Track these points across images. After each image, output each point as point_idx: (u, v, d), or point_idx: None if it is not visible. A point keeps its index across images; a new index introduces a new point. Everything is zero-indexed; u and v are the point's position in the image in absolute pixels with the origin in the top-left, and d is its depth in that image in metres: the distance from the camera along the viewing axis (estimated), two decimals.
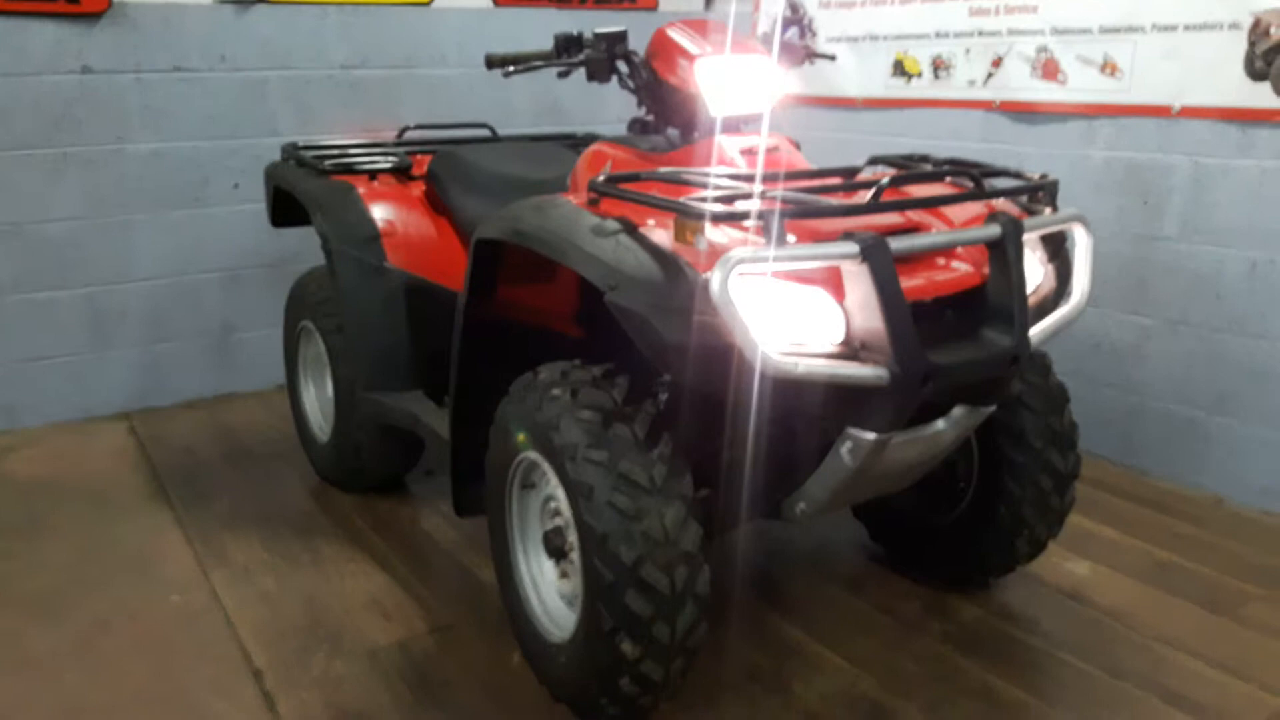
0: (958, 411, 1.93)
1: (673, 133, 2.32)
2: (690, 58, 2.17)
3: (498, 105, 4.27)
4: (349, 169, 2.94)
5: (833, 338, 1.74)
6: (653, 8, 4.74)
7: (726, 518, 2.06)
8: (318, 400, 3.24)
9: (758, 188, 1.81)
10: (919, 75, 3.73)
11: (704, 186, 1.87)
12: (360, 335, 2.79)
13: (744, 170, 2.07)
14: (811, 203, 1.76)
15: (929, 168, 2.15)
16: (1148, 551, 2.70)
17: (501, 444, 2.09)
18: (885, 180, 1.81)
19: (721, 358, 1.66)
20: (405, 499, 3.07)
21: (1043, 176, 2.04)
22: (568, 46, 2.33)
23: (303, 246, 3.82)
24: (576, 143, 3.45)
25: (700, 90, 2.16)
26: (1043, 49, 3.30)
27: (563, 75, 2.37)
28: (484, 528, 2.25)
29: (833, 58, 2.72)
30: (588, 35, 2.35)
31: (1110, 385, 3.26)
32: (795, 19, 4.25)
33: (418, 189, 2.98)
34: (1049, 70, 3.30)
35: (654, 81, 2.26)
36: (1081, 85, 3.21)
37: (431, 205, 2.92)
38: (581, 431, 1.80)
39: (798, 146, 2.27)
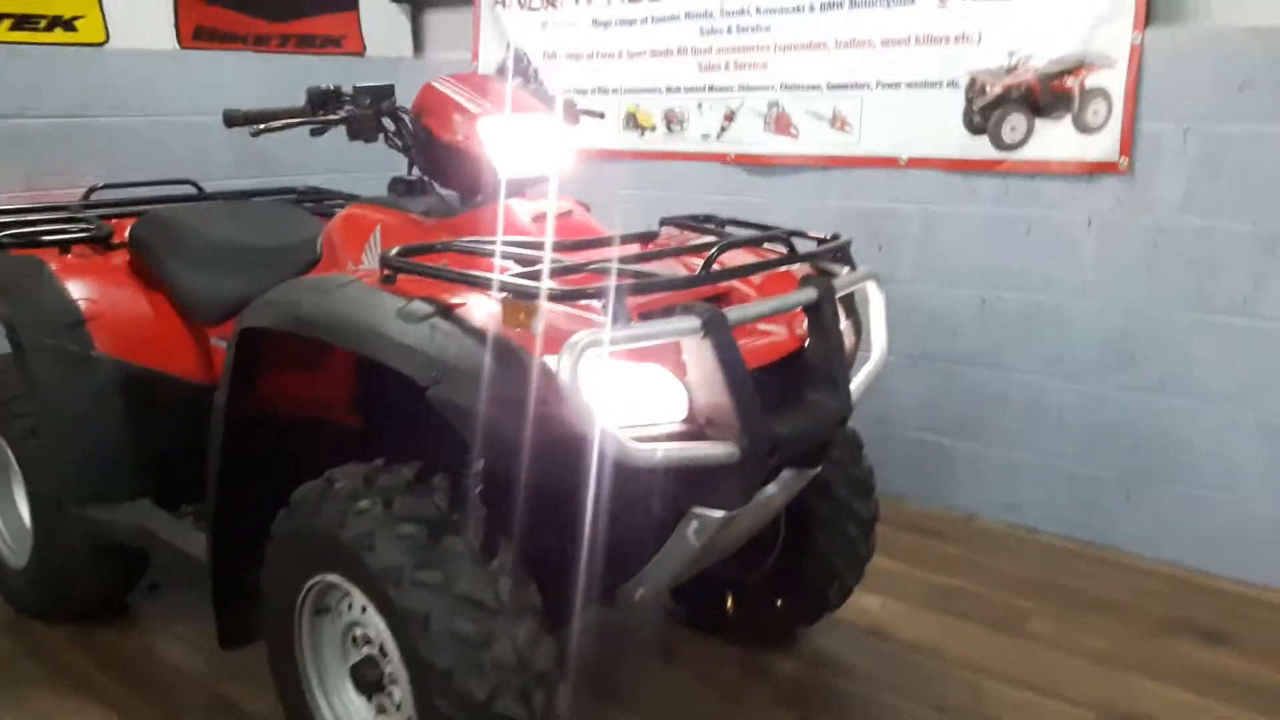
0: (786, 474, 1.88)
1: (450, 195, 2.12)
2: (471, 116, 1.98)
3: (194, 157, 3.81)
4: (34, 241, 2.45)
5: (674, 415, 1.63)
6: (359, 53, 4.46)
7: (559, 614, 1.87)
8: (5, 521, 2.66)
9: (589, 261, 1.66)
10: (652, 128, 3.75)
11: (518, 260, 1.70)
12: (66, 440, 2.31)
13: (537, 238, 1.92)
14: (650, 276, 1.63)
15: (719, 228, 2.11)
16: (925, 578, 2.82)
17: (285, 567, 1.78)
18: (715, 249, 1.72)
19: (569, 448, 1.49)
20: (131, 624, 2.57)
21: (834, 236, 2.05)
22: (324, 102, 2.06)
23: None
24: (301, 199, 3.13)
25: (484, 151, 1.98)
26: (774, 104, 3.41)
27: (317, 134, 2.09)
28: (245, 653, 1.91)
29: (601, 115, 2.63)
30: (347, 90, 2.09)
31: (859, 419, 3.40)
32: (520, 69, 4.14)
33: (120, 259, 2.54)
34: (781, 124, 3.41)
35: (428, 141, 2.05)
36: (813, 139, 3.35)
37: (139, 278, 2.50)
38: (405, 550, 1.55)
39: (588, 209, 2.14)
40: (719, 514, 1.68)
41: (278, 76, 4.12)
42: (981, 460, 3.20)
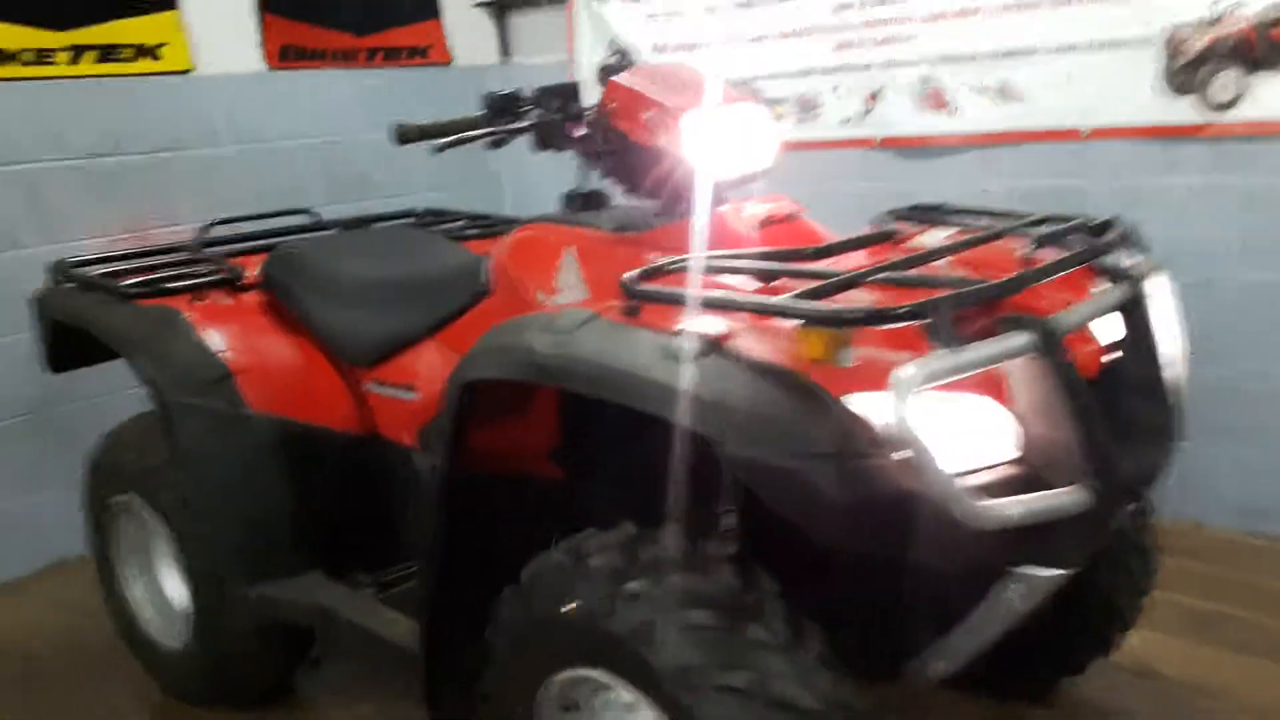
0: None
1: (635, 206, 1.84)
2: (671, 112, 1.70)
3: (290, 184, 3.58)
4: (162, 289, 2.20)
5: (1002, 457, 1.33)
6: (446, 63, 4.20)
7: None
8: (153, 598, 2.43)
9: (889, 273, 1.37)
10: (781, 117, 3.44)
11: (771, 275, 1.42)
12: (226, 512, 2.06)
13: (764, 248, 1.63)
14: (974, 286, 1.32)
15: (954, 218, 1.81)
16: (1175, 601, 2.48)
17: (520, 658, 1.50)
18: (1033, 244, 1.42)
19: (893, 508, 1.21)
20: (298, 706, 2.33)
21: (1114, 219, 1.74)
22: (505, 108, 1.79)
23: (67, 384, 2.93)
24: (421, 221, 2.86)
25: (688, 151, 1.70)
26: (926, 79, 3.10)
27: (497, 145, 1.82)
28: None
29: (775, 104, 2.34)
30: (527, 92, 1.82)
31: None
32: (623, 65, 3.85)
33: (253, 301, 2.30)
34: (935, 101, 3.10)
35: (621, 145, 1.77)
36: (974, 114, 3.03)
37: (278, 321, 2.25)
38: (700, 645, 1.26)
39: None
40: (1053, 574, 1.38)
41: (366, 91, 3.88)
42: (1208, 461, 2.84)
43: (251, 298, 2.30)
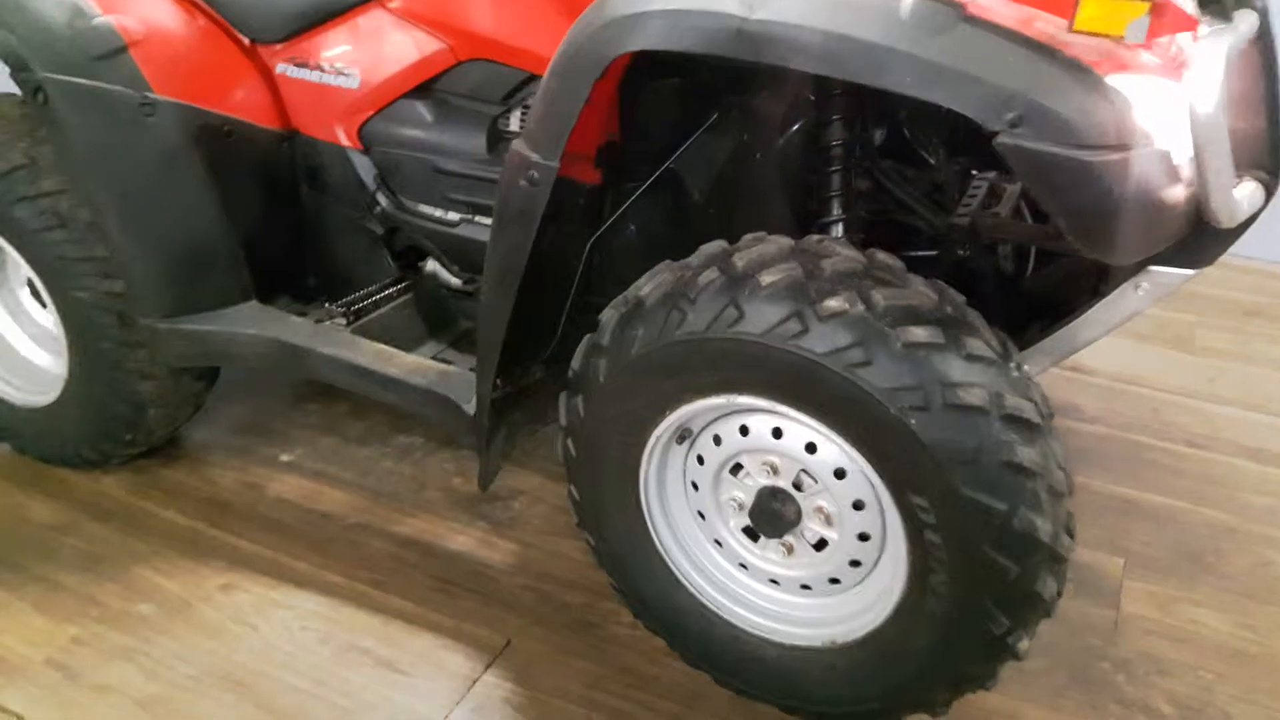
0: None
1: None
2: None
3: None
4: None
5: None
6: None
7: None
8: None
9: None
10: None
11: None
12: (136, 228, 1.60)
13: None
14: None
15: None
16: None
17: (631, 391, 1.29)
18: None
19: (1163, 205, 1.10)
20: (189, 455, 1.98)
21: None
22: None
23: None
24: None
25: None
26: None
27: None
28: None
29: None
30: None
31: None
32: None
33: None
34: None
35: None
36: None
37: None
38: (925, 364, 1.11)
39: None
40: (1187, 274, 1.34)
41: None
42: None
43: None
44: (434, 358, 1.73)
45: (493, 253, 1.35)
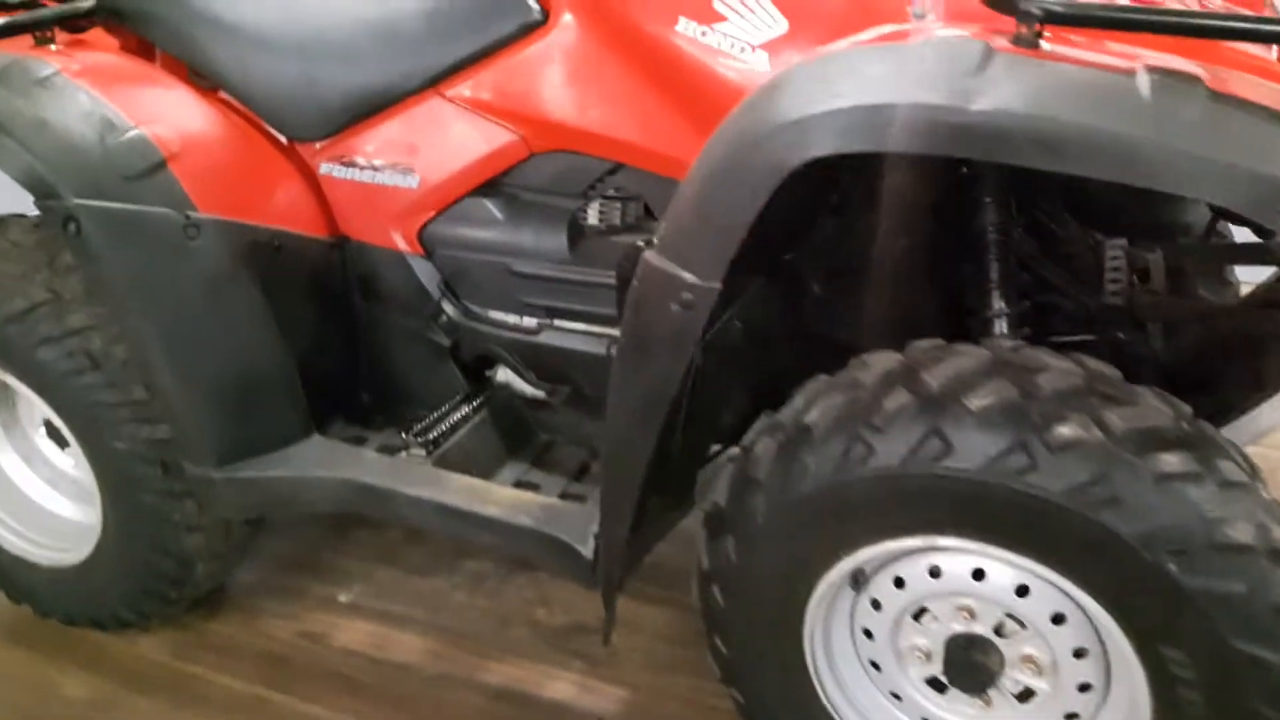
0: None
1: None
2: None
3: None
4: None
5: None
6: None
7: None
8: (8, 495, 1.69)
9: None
10: None
11: None
12: (183, 366, 1.39)
13: None
14: None
15: None
16: None
17: (797, 534, 1.11)
18: None
19: None
20: (239, 607, 1.76)
21: None
22: None
23: None
24: None
25: None
26: None
27: None
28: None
29: None
30: None
31: None
32: None
33: (109, 43, 1.56)
34: None
35: None
36: None
37: (173, 76, 1.54)
38: (1182, 498, 0.93)
39: None
40: None
41: None
42: None
43: (100, 38, 1.55)
44: (519, 482, 1.54)
45: (628, 383, 1.17)
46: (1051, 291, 1.38)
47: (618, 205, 1.47)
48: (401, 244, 1.56)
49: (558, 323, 1.52)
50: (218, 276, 1.38)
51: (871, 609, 1.18)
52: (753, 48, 1.23)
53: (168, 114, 1.40)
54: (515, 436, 1.63)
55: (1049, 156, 0.90)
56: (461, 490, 1.40)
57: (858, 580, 1.17)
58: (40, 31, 1.42)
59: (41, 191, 1.29)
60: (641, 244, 1.44)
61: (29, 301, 1.42)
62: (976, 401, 0.99)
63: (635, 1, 1.31)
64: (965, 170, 1.30)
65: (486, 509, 1.37)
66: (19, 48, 1.40)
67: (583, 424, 1.62)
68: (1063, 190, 1.40)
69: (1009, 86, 0.91)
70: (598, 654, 1.63)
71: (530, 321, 1.54)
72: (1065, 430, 0.96)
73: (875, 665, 1.22)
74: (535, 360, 1.57)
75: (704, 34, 1.25)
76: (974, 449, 0.98)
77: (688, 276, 1.06)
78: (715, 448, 1.52)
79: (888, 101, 0.93)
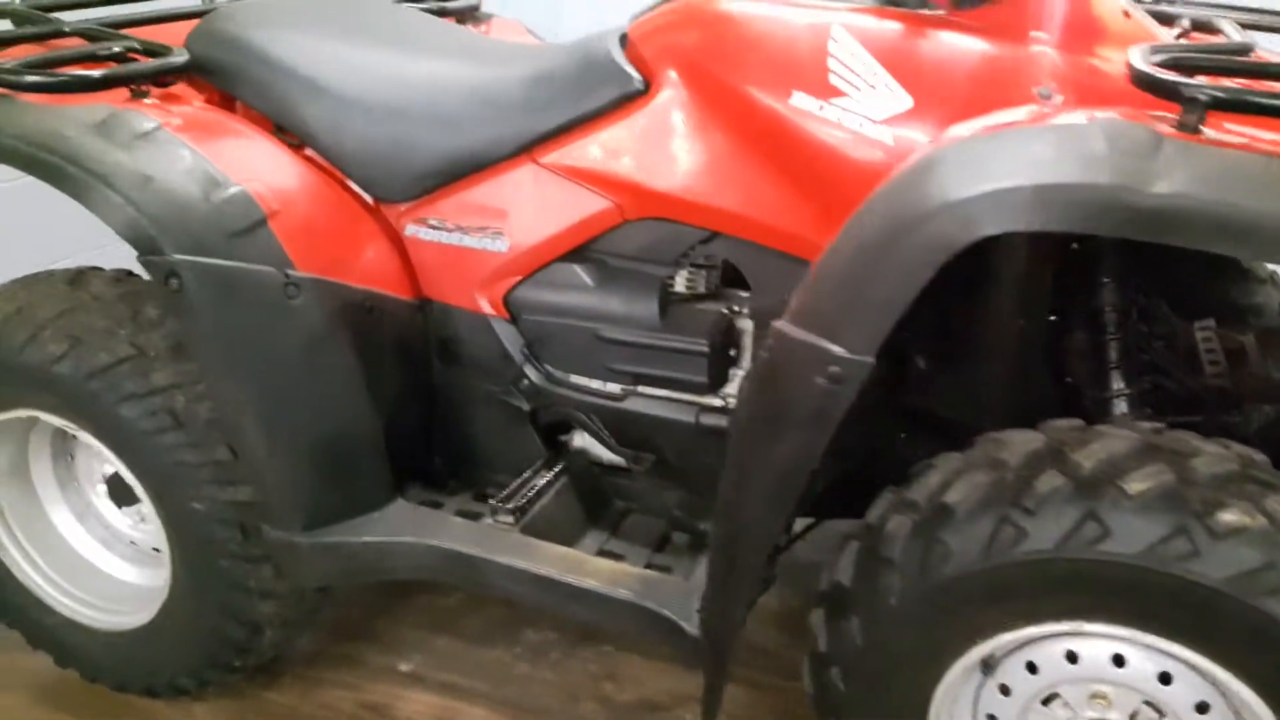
0: None
1: None
2: None
3: None
4: (84, 80, 1.37)
5: None
6: None
7: None
8: (60, 565, 1.63)
9: None
10: None
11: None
12: (276, 427, 1.35)
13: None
14: None
15: None
16: None
17: (951, 618, 1.09)
18: None
19: None
20: (298, 676, 1.69)
21: None
22: None
23: None
24: None
25: None
26: None
27: None
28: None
29: None
30: None
31: None
32: None
33: (193, 98, 1.54)
34: None
35: None
36: None
37: (261, 133, 1.52)
38: None
39: None
40: None
41: None
42: None
43: (187, 93, 1.53)
44: (602, 552, 1.51)
45: (757, 458, 1.14)
46: (1156, 373, 1.38)
47: (703, 273, 1.47)
48: (486, 307, 1.54)
49: (644, 389, 1.50)
50: (315, 336, 1.35)
51: (999, 694, 1.15)
52: (874, 122, 1.23)
53: (265, 171, 1.38)
54: (593, 504, 1.60)
55: (1228, 241, 0.90)
56: (555, 559, 1.37)
57: (987, 664, 1.14)
58: (136, 85, 1.40)
59: (144, 246, 1.26)
60: (726, 311, 1.46)
61: (113, 357, 1.38)
62: (1134, 485, 0.98)
63: (748, 75, 1.31)
64: (1076, 247, 1.30)
65: (583, 580, 1.34)
66: (114, 100, 1.38)
67: (662, 492, 1.59)
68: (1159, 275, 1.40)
69: (1184, 171, 0.91)
70: None
71: (615, 388, 1.52)
72: (1229, 516, 0.95)
73: None
74: (619, 427, 1.54)
75: (821, 108, 1.26)
76: (1133, 534, 0.97)
77: (837, 350, 1.05)
78: None
79: (1062, 181, 0.92)
